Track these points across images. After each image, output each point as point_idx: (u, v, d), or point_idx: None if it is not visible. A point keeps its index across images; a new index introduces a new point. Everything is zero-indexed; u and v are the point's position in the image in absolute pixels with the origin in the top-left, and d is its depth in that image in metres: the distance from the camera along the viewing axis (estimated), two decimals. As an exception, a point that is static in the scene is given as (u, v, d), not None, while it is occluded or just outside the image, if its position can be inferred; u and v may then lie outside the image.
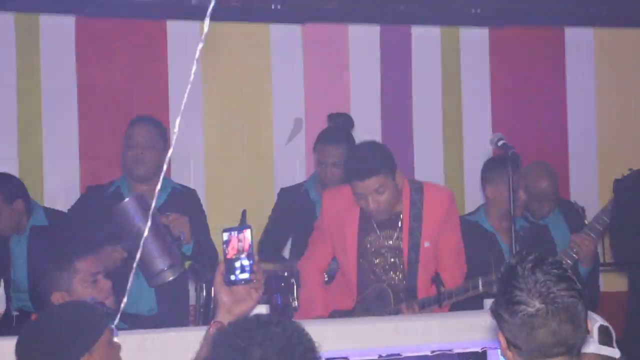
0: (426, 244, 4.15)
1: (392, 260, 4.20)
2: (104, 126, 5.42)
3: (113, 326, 2.79)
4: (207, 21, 2.49)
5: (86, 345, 2.62)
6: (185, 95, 2.52)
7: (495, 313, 2.19)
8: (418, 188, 4.21)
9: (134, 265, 2.73)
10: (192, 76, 2.50)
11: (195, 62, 2.47)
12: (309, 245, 4.43)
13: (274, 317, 2.08)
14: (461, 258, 4.29)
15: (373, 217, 4.18)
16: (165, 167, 2.65)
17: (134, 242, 4.06)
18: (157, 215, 4.33)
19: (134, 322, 3.88)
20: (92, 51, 5.53)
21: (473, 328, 3.41)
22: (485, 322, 3.33)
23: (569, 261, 4.59)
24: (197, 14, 5.46)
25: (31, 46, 5.43)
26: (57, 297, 3.50)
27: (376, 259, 4.22)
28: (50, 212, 4.88)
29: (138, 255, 2.75)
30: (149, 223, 2.87)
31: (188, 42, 5.50)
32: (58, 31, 5.47)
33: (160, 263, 4.18)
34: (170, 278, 4.25)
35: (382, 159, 4.12)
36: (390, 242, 4.22)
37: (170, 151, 2.60)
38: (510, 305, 2.13)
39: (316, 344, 2.07)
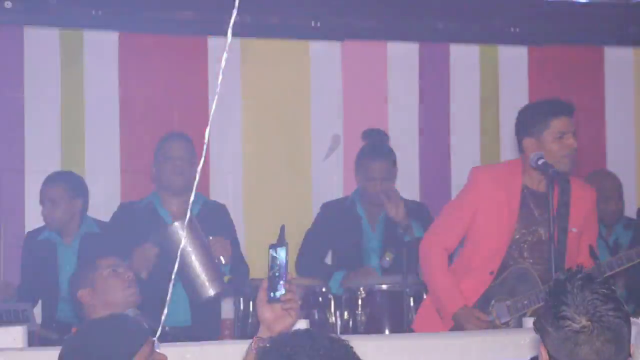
0: (574, 229, 4.07)
1: (542, 240, 4.10)
2: (145, 141, 5.47)
3: (155, 339, 2.82)
4: (229, 32, 2.50)
5: (125, 358, 2.64)
6: (213, 104, 2.53)
7: (540, 326, 2.21)
8: (565, 178, 4.12)
9: (173, 276, 2.76)
10: (219, 87, 2.50)
11: (220, 73, 2.48)
12: (437, 224, 4.27)
13: (324, 332, 2.11)
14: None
15: (562, 167, 3.98)
16: (197, 178, 2.67)
17: (183, 263, 4.15)
18: (205, 236, 4.41)
19: (168, 335, 3.93)
20: (135, 67, 5.59)
21: (513, 346, 3.40)
22: (525, 341, 3.33)
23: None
24: (238, 30, 5.51)
25: (75, 62, 5.50)
26: (82, 294, 3.67)
27: (525, 238, 4.13)
28: (100, 223, 5.02)
29: (176, 266, 2.78)
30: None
31: (229, 58, 5.54)
32: (101, 47, 5.54)
33: (207, 291, 4.27)
34: (212, 295, 4.31)
35: None
36: (542, 220, 4.09)
37: (201, 162, 2.60)
38: (556, 319, 2.15)
39: None
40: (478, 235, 4.14)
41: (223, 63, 2.43)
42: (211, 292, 4.33)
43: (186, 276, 4.35)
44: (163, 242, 4.37)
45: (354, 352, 2.08)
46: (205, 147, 2.50)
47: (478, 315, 4.04)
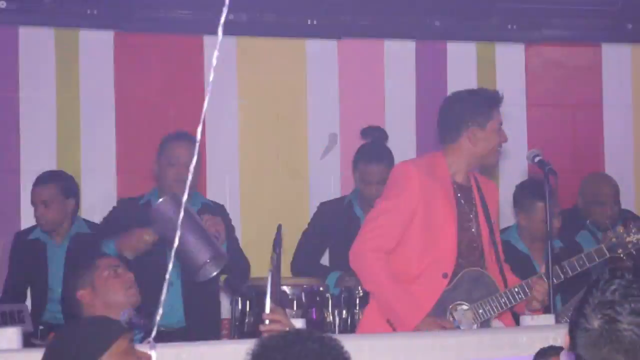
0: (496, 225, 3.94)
1: (476, 238, 3.88)
2: (141, 140, 5.46)
3: (150, 339, 2.79)
4: (220, 31, 2.46)
5: (94, 355, 2.62)
6: (205, 103, 2.50)
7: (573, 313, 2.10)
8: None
9: (169, 270, 2.73)
10: (210, 86, 2.46)
11: (212, 70, 2.45)
12: (372, 228, 3.86)
13: (314, 333, 2.09)
14: None
15: (495, 159, 3.94)
16: (190, 177, 2.65)
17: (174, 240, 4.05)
18: (195, 211, 4.34)
19: (162, 335, 3.90)
20: (130, 66, 5.58)
21: (510, 345, 3.40)
22: (523, 339, 3.32)
23: None
24: (234, 29, 5.52)
25: (70, 61, 5.49)
26: (81, 294, 3.65)
27: (462, 237, 3.85)
28: (90, 224, 4.98)
29: (172, 256, 2.76)
30: (181, 217, 2.86)
31: (225, 57, 5.53)
32: (97, 46, 5.53)
33: (203, 256, 4.11)
34: (214, 272, 4.20)
35: None
36: (472, 216, 3.91)
37: (194, 160, 2.58)
38: (576, 314, 2.03)
39: None
40: (418, 236, 3.80)
41: (214, 61, 2.40)
42: (208, 255, 4.16)
43: (181, 248, 4.21)
44: (155, 221, 4.25)
45: (346, 354, 2.06)
46: (197, 145, 2.47)
47: (443, 325, 3.73)
